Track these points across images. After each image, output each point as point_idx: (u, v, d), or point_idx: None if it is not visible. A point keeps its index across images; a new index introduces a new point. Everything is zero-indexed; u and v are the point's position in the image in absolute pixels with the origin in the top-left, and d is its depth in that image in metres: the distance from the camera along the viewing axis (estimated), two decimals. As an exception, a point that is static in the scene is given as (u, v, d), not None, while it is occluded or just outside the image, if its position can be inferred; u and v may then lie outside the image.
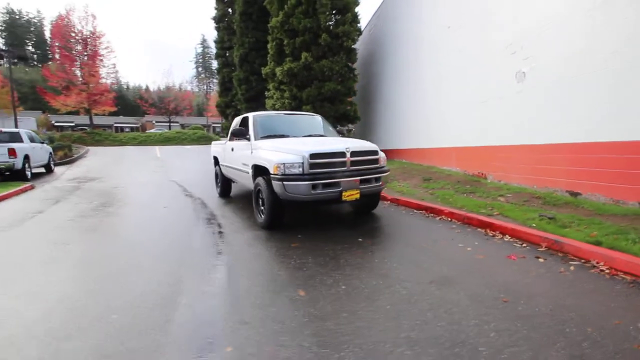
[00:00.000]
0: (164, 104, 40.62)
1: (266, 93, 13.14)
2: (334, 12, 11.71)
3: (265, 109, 15.31)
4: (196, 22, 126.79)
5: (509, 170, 6.23)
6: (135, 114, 49.39)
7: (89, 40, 24.30)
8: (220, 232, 4.37)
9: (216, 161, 7.43)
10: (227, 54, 17.61)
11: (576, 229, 3.67)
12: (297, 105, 12.17)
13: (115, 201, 6.80)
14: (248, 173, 4.98)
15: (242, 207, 6.00)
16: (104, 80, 27.76)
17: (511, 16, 6.01)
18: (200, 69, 78.59)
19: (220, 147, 6.94)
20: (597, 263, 2.82)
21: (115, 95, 32.48)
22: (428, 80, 9.02)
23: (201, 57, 77.81)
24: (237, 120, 6.35)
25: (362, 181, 4.27)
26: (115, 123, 47.45)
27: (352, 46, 12.01)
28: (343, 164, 4.18)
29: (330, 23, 11.59)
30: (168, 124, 42.23)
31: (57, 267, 3.21)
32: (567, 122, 5.03)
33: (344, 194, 4.12)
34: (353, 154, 4.24)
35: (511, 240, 3.61)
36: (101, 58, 25.87)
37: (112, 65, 28.86)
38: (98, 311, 2.31)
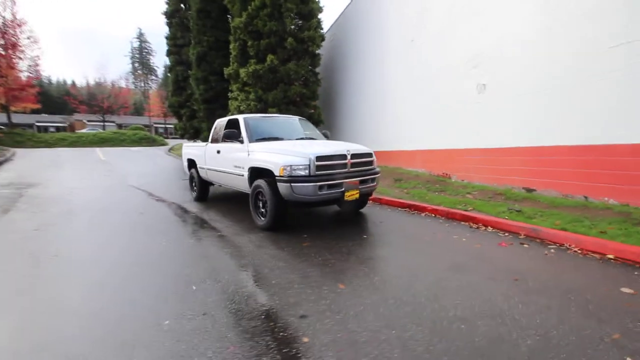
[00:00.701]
0: (97, 101, 37.02)
1: (229, 94, 12.86)
2: (298, 17, 11.90)
3: (226, 110, 14.92)
4: (130, 12, 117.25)
5: (471, 171, 7.02)
6: (61, 112, 44.21)
7: (7, 28, 21.33)
8: (220, 236, 4.32)
9: (191, 164, 7.18)
10: (181, 52, 16.75)
11: (541, 219, 4.36)
12: (262, 107, 12.12)
13: (77, 208, 6.23)
14: (243, 176, 4.97)
15: (228, 210, 5.94)
16: (25, 74, 24.58)
17: (471, 35, 6.80)
18: (136, 64, 72.98)
19: (199, 150, 6.74)
20: (570, 246, 3.44)
21: (38, 91, 28.89)
22: (393, 88, 9.67)
23: (138, 52, 72.34)
24: (220, 122, 6.25)
25: (361, 182, 4.56)
26: (37, 122, 42.07)
27: (317, 51, 12.33)
28: (344, 165, 4.43)
29: (295, 27, 11.76)
30: (102, 123, 38.55)
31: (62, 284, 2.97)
32: (521, 128, 5.87)
33: (346, 194, 4.37)
34: (353, 156, 4.51)
35: (494, 230, 4.18)
36: (22, 49, 22.86)
37: (36, 57, 25.65)
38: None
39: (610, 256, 3.13)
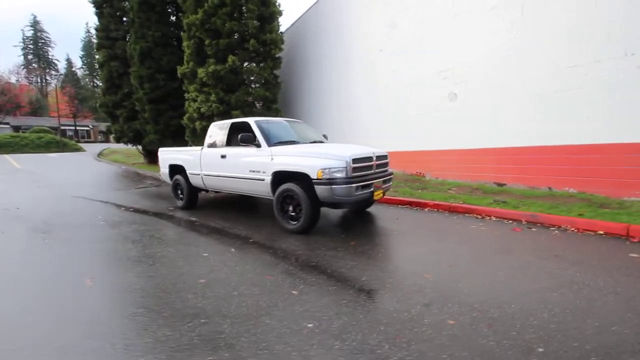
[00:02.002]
0: (-15, 99, 30.77)
1: (186, 95, 12.06)
2: (258, 19, 11.75)
3: (177, 111, 13.89)
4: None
5: (445, 169, 7.90)
6: None
7: None
8: (255, 242, 4.23)
9: (175, 171, 6.69)
10: (115, 45, 14.99)
11: (525, 207, 5.23)
12: (225, 109, 11.69)
13: (43, 224, 5.36)
14: (263, 180, 4.91)
15: (229, 217, 5.83)
16: None
17: (441, 49, 7.68)
18: (30, 56, 62.47)
19: (189, 155, 6.34)
20: (567, 227, 4.27)
21: None
22: (359, 95, 10.24)
23: (32, 42, 62.00)
24: (219, 126, 6.00)
25: (383, 182, 4.90)
26: None
27: (278, 55, 12.32)
28: (371, 167, 4.72)
29: (256, 29, 11.59)
30: (-7, 125, 32.12)
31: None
32: (491, 132, 6.87)
33: (374, 193, 4.66)
34: (377, 158, 4.83)
35: (497, 219, 4.90)
36: None
37: None
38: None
39: (601, 232, 4.01)
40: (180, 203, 6.69)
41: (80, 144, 31.56)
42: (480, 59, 6.92)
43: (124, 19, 15.20)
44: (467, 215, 5.26)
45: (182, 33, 12.40)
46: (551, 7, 5.76)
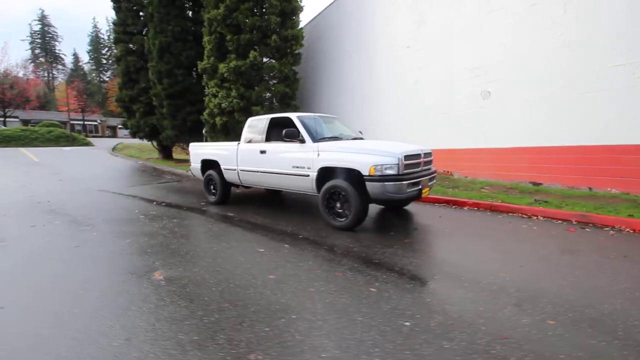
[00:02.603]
0: (-5, 92, 30.80)
1: (206, 90, 12.01)
2: (280, 14, 11.65)
3: (195, 107, 13.85)
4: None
5: (475, 168, 7.83)
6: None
7: None
8: (314, 242, 4.19)
9: (210, 166, 6.65)
10: (133, 40, 14.94)
11: (568, 207, 5.17)
12: (245, 105, 11.65)
13: (81, 217, 5.35)
14: (308, 176, 4.86)
15: (269, 213, 5.72)
16: None
17: (474, 46, 7.59)
18: (37, 51, 62.58)
19: (224, 150, 6.29)
20: (621, 227, 4.21)
21: None
22: (385, 92, 10.15)
23: (39, 36, 62.08)
24: (257, 121, 5.95)
25: (429, 179, 4.84)
26: None
27: (298, 51, 12.25)
28: (419, 164, 4.66)
29: (277, 25, 11.50)
30: (3, 119, 32.19)
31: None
32: (526, 131, 6.80)
33: (422, 191, 4.61)
34: (424, 155, 4.77)
35: (546, 219, 4.83)
36: None
37: None
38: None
39: (658, 233, 3.95)
40: (212, 198, 6.65)
41: (88, 139, 31.57)
42: (517, 56, 6.83)
43: (141, 13, 15.12)
44: (511, 214, 5.20)
45: (202, 28, 12.35)
46: (597, 6, 5.67)
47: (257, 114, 11.49)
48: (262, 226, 4.87)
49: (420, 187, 4.54)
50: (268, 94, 11.86)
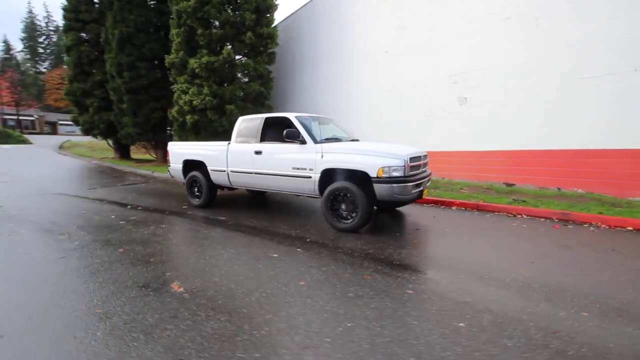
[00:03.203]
0: None
1: (175, 86, 11.30)
2: (255, 11, 11.35)
3: (160, 103, 12.97)
4: None
5: (452, 170, 8.25)
6: None
7: None
8: (312, 242, 4.11)
9: (193, 167, 6.28)
10: (86, 28, 13.59)
11: (544, 206, 5.64)
12: (218, 103, 11.19)
13: (51, 224, 4.80)
14: (309, 178, 4.78)
15: (263, 216, 5.52)
16: None
17: (453, 54, 7.99)
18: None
19: (212, 150, 5.98)
20: (598, 224, 4.67)
21: None
22: (362, 95, 10.29)
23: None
24: (250, 120, 5.72)
25: (427, 180, 5.00)
26: None
27: (273, 49, 12.02)
28: (419, 166, 4.79)
29: (252, 22, 11.19)
30: None
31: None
32: (501, 136, 7.30)
33: (423, 192, 4.74)
34: (423, 157, 4.91)
35: (529, 217, 5.22)
36: None
37: None
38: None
39: (630, 228, 4.45)
40: (196, 201, 6.27)
41: (25, 136, 28.21)
42: (493, 65, 7.31)
43: (96, 0, 13.87)
44: (496, 213, 5.54)
45: (170, 20, 11.63)
46: (565, 22, 6.24)
47: (232, 112, 11.10)
48: (262, 230, 4.68)
49: (422, 188, 4.68)
50: (241, 93, 11.48)
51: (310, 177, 4.78)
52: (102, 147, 17.02)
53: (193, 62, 10.76)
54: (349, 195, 4.44)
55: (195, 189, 6.33)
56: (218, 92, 11.13)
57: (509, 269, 3.17)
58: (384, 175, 4.23)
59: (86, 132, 14.45)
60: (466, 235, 4.44)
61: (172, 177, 6.97)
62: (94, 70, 13.64)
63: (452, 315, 2.33)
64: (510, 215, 5.41)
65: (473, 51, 7.63)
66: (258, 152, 5.34)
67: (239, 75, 11.72)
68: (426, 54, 8.54)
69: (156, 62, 13.02)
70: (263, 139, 5.45)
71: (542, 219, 5.08)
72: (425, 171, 5.04)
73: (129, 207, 6.33)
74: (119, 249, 3.78)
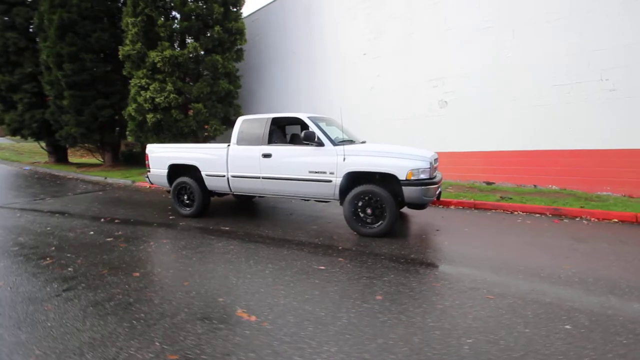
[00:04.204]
0: None
1: (132, 81, 10.09)
2: (222, 4, 10.65)
3: (109, 100, 11.50)
4: None
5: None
6: None
7: None
8: (345, 249, 3.91)
9: (181, 172, 5.65)
10: (12, 12, 11.49)
11: (529, 202, 6.12)
12: (184, 101, 10.31)
13: (17, 246, 3.92)
14: (330, 182, 4.55)
15: (270, 224, 5.17)
16: None
17: (432, 58, 8.31)
18: None
19: (209, 154, 5.44)
20: (587, 217, 5.17)
21: None
22: (336, 98, 10.17)
23: None
24: (254, 121, 5.29)
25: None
26: None
27: (242, 46, 11.41)
28: (436, 168, 4.84)
29: (220, 15, 10.49)
30: None
31: None
32: (480, 137, 7.78)
33: (440, 193, 4.81)
34: (436, 160, 4.98)
35: (525, 213, 5.59)
36: None
37: None
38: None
39: (615, 220, 5.00)
40: (186, 210, 5.63)
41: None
42: (473, 71, 7.74)
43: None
44: (494, 211, 5.86)
45: (123, 7, 10.39)
46: (540, 33, 6.84)
47: (199, 112, 10.29)
48: (281, 240, 4.33)
49: (440, 189, 4.74)
50: (209, 90, 10.67)
51: (330, 181, 4.55)
52: (30, 150, 14.63)
53: (154, 55, 9.74)
54: (375, 199, 4.31)
55: (185, 197, 5.67)
56: (184, 89, 10.24)
57: (552, 265, 3.32)
58: (412, 178, 4.19)
59: (13, 132, 12.24)
60: (486, 233, 4.59)
61: (152, 184, 6.17)
62: (23, 61, 11.60)
63: (558, 318, 2.33)
64: (507, 212, 5.75)
65: (452, 57, 8.01)
66: (267, 156, 4.94)
67: (205, 72, 10.90)
68: (405, 58, 8.76)
69: (103, 54, 11.55)
70: (271, 140, 5.07)
71: (538, 215, 5.48)
72: (439, 172, 5.12)
73: (102, 220, 5.46)
74: (133, 273, 3.18)
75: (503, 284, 2.94)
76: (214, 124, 10.59)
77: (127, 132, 10.85)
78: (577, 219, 5.16)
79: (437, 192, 4.55)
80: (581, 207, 5.49)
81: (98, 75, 11.07)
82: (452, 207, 6.28)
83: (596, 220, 5.08)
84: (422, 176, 4.25)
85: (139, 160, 13.33)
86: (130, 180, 9.98)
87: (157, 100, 9.75)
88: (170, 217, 5.65)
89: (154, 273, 3.18)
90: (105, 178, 10.26)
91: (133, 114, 10.21)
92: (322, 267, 3.33)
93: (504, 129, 7.46)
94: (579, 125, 6.57)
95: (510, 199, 6.35)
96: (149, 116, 9.97)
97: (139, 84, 10.00)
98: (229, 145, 5.29)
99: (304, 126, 4.80)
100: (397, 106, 9.04)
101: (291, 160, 4.81)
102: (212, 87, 10.49)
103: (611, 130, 6.26)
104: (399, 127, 9.05)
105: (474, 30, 7.65)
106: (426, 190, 4.22)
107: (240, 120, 5.41)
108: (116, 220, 5.42)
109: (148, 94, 9.77)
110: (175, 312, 2.42)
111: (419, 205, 4.55)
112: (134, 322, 2.30)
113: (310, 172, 4.67)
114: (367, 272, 3.20)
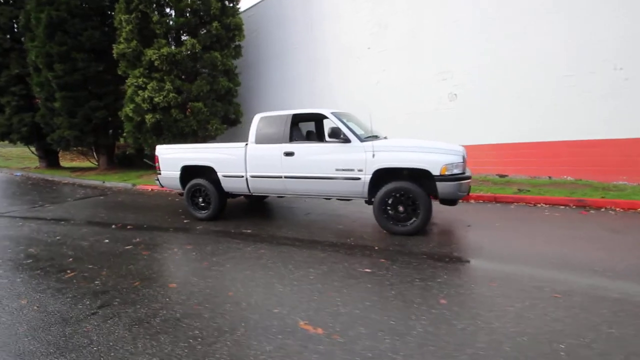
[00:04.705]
0: None
1: (129, 80, 9.69)
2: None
3: (102, 101, 11.04)
4: None
5: (443, 164, 8.48)
6: None
7: None
8: (381, 249, 3.76)
9: (195, 174, 5.39)
10: (-4, 10, 10.90)
11: (548, 194, 6.08)
12: (184, 100, 9.96)
13: (33, 259, 3.65)
14: (359, 179, 4.37)
15: (288, 225, 4.99)
16: None
17: (440, 51, 8.19)
18: None
19: (226, 153, 5.19)
20: (614, 208, 5.13)
21: None
22: (340, 93, 10.03)
23: None
24: (272, 118, 5.05)
25: (469, 176, 4.96)
26: None
27: (240, 42, 11.09)
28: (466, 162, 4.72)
29: (217, 11, 10.15)
30: None
31: None
32: (491, 130, 7.71)
33: (470, 188, 4.69)
34: (465, 154, 4.85)
35: (549, 205, 5.53)
36: None
37: None
38: None
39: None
40: (202, 213, 5.38)
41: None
42: (480, 64, 7.65)
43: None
44: (517, 204, 5.78)
45: (115, 4, 9.96)
46: (551, 27, 6.77)
47: (200, 111, 9.97)
48: (312, 242, 4.15)
49: (470, 184, 4.62)
50: (209, 89, 10.34)
51: (359, 179, 4.37)
52: (18, 155, 14.01)
53: (151, 53, 9.37)
54: (408, 195, 4.15)
55: (200, 200, 5.42)
56: (183, 88, 9.89)
57: (601, 258, 3.23)
58: (447, 173, 4.05)
59: (1, 137, 11.65)
60: (521, 228, 4.48)
61: (162, 186, 5.88)
62: (10, 63, 11.03)
63: (635, 315, 2.22)
64: (530, 204, 5.68)
65: (459, 50, 7.90)
66: (289, 154, 4.73)
67: (204, 70, 10.55)
68: (411, 51, 8.62)
69: (95, 53, 11.06)
70: (292, 138, 4.85)
71: (562, 207, 5.42)
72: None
73: (113, 226, 5.18)
74: (169, 285, 2.95)
75: (562, 281, 2.82)
76: (214, 123, 10.27)
77: (125, 134, 10.44)
78: (603, 210, 5.11)
79: (470, 186, 4.44)
80: (602, 197, 5.45)
81: (90, 75, 10.60)
82: (472, 201, 6.19)
83: (622, 210, 5.04)
84: (456, 171, 4.11)
85: (135, 163, 12.90)
86: (130, 183, 9.61)
87: (156, 99, 9.38)
88: (185, 221, 5.39)
89: (192, 283, 2.96)
90: (104, 182, 9.85)
91: (130, 114, 9.81)
92: (368, 270, 3.16)
93: (516, 120, 7.40)
94: (595, 114, 6.54)
95: (528, 191, 6.29)
96: (148, 116, 9.60)
97: (136, 84, 9.61)
98: (246, 145, 5.06)
99: (320, 122, 4.60)
100: (405, 100, 8.89)
101: (316, 158, 4.61)
102: (211, 85, 10.17)
103: (626, 119, 6.25)
104: (405, 121, 8.89)
105: (482, 21, 7.55)
106: (460, 185, 4.08)
107: (257, 117, 5.17)
108: (128, 227, 5.14)
109: (146, 94, 9.39)
110: (233, 327, 2.21)
111: (452, 201, 4.43)
112: (191, 341, 2.09)
113: (338, 169, 4.48)
114: (417, 273, 3.04)
